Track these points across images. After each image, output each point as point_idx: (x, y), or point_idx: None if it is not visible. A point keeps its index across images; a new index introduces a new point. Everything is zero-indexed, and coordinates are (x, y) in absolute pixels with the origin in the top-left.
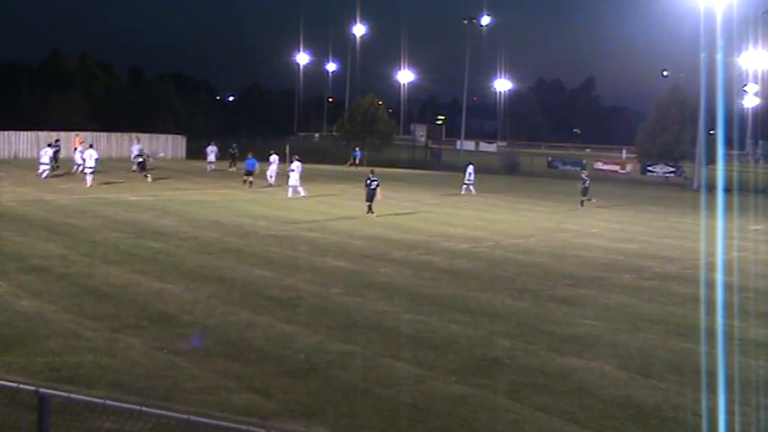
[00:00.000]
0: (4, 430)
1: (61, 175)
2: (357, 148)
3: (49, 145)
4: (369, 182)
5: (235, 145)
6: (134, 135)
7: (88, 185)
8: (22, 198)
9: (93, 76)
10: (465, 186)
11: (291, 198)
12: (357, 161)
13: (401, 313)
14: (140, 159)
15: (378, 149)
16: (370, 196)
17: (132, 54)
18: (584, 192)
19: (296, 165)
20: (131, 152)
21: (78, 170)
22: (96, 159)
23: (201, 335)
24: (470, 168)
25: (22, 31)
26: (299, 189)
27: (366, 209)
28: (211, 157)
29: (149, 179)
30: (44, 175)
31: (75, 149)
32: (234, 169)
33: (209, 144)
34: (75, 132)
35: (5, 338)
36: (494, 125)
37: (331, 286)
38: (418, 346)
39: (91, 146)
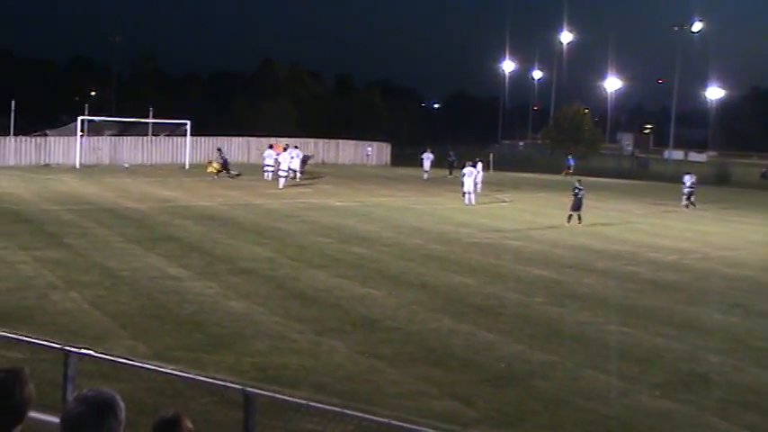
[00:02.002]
0: (211, 426)
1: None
2: (570, 156)
3: (270, 146)
4: (576, 191)
5: (452, 152)
6: (294, 146)
7: (280, 186)
8: (233, 201)
9: (302, 83)
10: (686, 197)
11: (471, 205)
12: (571, 170)
13: (604, 324)
14: (304, 161)
15: (583, 158)
16: (576, 205)
17: (341, 62)
18: (690, 195)
19: (469, 170)
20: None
21: (270, 176)
22: (289, 163)
23: None
24: (690, 179)
25: (237, 41)
26: (472, 197)
27: (567, 218)
28: (427, 165)
29: (298, 179)
30: (268, 177)
31: (278, 155)
32: (453, 176)
33: (424, 151)
34: (276, 139)
35: (216, 338)
36: (703, 134)
37: (533, 295)
38: (622, 358)
39: (285, 148)
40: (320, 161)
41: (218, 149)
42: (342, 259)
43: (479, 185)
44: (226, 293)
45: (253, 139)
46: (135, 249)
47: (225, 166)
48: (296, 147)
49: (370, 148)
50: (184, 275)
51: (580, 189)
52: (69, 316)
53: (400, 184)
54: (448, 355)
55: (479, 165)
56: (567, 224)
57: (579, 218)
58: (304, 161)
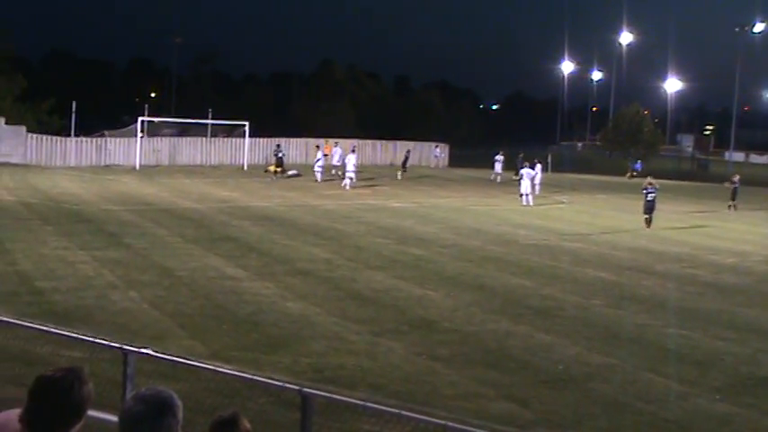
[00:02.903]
0: (268, 426)
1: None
2: (639, 161)
3: (318, 147)
4: (646, 192)
5: (522, 155)
6: (352, 145)
7: (347, 188)
8: (291, 203)
9: (360, 84)
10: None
11: (529, 206)
12: (636, 173)
13: (663, 327)
14: (406, 158)
15: (643, 159)
16: (647, 208)
17: (398, 63)
18: (734, 195)
19: (527, 171)
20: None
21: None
22: (354, 165)
23: None
24: None
25: (296, 41)
26: (530, 198)
27: (645, 221)
28: (498, 168)
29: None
30: (319, 177)
31: (326, 155)
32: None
33: (497, 153)
34: (326, 140)
35: (273, 338)
36: (765, 136)
37: (591, 297)
38: (681, 361)
39: (353, 151)
40: (377, 162)
41: (278, 145)
42: (399, 260)
43: (537, 187)
44: (283, 294)
45: (311, 140)
46: (193, 249)
47: (280, 164)
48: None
49: (438, 149)
50: (242, 276)
51: (650, 191)
52: (128, 315)
53: (458, 186)
54: (505, 357)
55: (538, 166)
56: (647, 228)
57: (648, 221)
58: (405, 159)
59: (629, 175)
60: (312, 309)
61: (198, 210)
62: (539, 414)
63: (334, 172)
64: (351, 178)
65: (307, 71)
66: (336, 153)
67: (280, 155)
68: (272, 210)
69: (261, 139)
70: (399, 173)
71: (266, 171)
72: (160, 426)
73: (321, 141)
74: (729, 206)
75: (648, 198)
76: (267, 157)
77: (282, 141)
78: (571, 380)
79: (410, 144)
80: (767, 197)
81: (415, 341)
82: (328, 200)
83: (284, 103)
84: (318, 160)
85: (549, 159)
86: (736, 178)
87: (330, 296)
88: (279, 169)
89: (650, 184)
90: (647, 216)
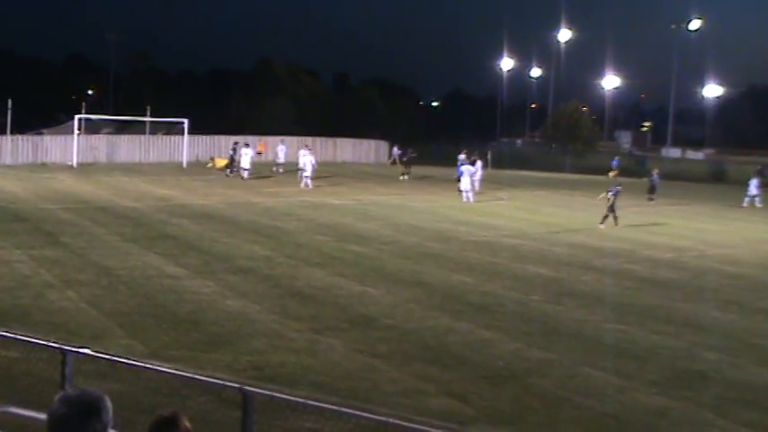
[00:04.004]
0: (209, 425)
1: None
2: (617, 158)
3: (247, 145)
4: (608, 192)
5: (477, 152)
6: (306, 144)
7: (307, 187)
8: (231, 200)
9: (299, 82)
10: (748, 199)
11: (469, 203)
12: (617, 171)
13: (601, 322)
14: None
15: (580, 156)
16: (609, 206)
17: (338, 60)
18: (652, 190)
19: (466, 168)
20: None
21: (244, 174)
22: (312, 164)
23: None
24: (755, 182)
25: (234, 38)
26: (470, 195)
27: (602, 218)
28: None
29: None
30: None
31: (260, 153)
32: None
33: (460, 153)
34: (261, 138)
35: (213, 336)
36: (702, 132)
37: (531, 293)
38: (618, 355)
39: (308, 148)
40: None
41: (235, 143)
42: (339, 257)
43: (477, 183)
44: (223, 292)
45: (251, 138)
46: (132, 248)
47: (230, 162)
48: (283, 141)
49: (395, 149)
50: (182, 274)
51: (609, 189)
52: (66, 315)
53: (398, 183)
54: (445, 353)
55: (478, 163)
56: (601, 227)
57: (615, 219)
58: (409, 158)
59: (613, 174)
60: (252, 306)
61: (136, 208)
62: (479, 409)
63: (275, 169)
64: (307, 176)
65: (245, 69)
66: (281, 151)
67: (232, 152)
68: (211, 207)
69: (200, 137)
70: (402, 174)
71: (209, 166)
72: (84, 429)
73: (251, 139)
74: (649, 198)
75: (609, 196)
76: (208, 153)
77: (223, 140)
78: (511, 375)
79: (348, 141)
80: (702, 192)
81: (356, 338)
82: (268, 197)
83: (223, 100)
84: (243, 157)
85: (489, 156)
86: (655, 172)
87: (270, 294)
88: (228, 166)
89: (619, 184)
90: (610, 215)
